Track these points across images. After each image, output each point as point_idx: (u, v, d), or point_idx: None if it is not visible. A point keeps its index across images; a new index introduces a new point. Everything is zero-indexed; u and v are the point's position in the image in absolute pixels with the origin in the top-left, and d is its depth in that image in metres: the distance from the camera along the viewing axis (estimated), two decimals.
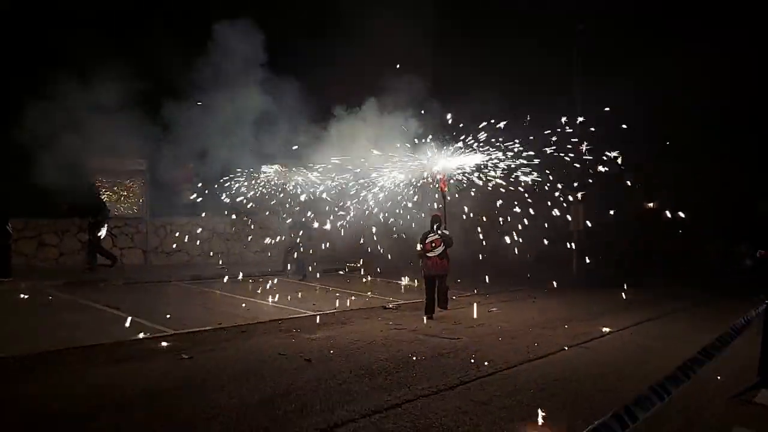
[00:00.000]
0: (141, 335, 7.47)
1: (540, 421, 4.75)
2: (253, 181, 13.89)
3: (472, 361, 6.66)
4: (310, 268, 14.18)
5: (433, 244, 9.46)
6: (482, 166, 11.41)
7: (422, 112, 11.95)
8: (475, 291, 12.58)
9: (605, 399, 5.43)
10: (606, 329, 8.89)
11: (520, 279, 14.55)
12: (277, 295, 11.37)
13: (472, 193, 12.65)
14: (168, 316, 8.87)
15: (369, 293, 12.15)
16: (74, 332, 7.54)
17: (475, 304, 10.41)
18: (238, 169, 13.22)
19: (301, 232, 14.01)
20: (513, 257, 16.05)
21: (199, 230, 16.36)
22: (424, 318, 9.29)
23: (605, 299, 12.40)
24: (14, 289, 10.91)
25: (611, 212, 16.74)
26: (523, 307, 11.02)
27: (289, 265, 14.56)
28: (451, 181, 11.32)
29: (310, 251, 14.35)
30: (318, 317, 9.23)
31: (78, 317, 8.65)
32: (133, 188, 15.09)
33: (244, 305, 10.25)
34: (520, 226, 14.02)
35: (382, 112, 11.74)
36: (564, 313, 10.38)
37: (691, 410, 5.04)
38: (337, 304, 10.62)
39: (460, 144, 11.24)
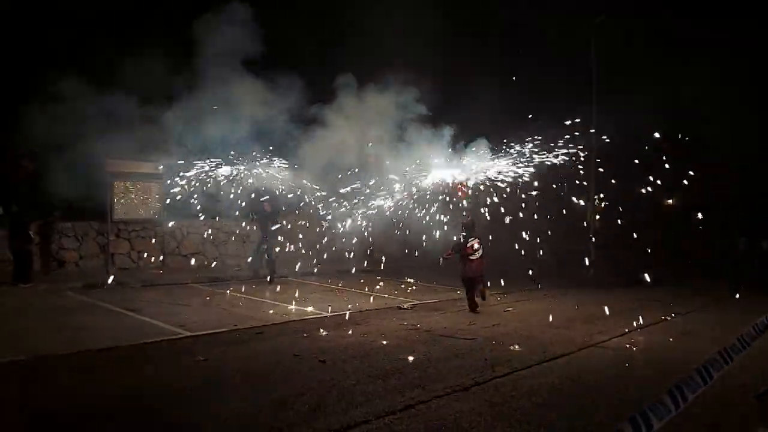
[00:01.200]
0: (157, 337, 7.51)
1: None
2: (272, 182, 13.84)
3: (487, 361, 6.60)
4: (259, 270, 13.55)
5: (474, 247, 9.98)
6: (501, 172, 11.40)
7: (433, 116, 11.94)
8: (492, 291, 12.45)
9: (623, 400, 5.34)
10: (624, 329, 8.76)
11: (537, 278, 14.39)
12: (293, 297, 11.38)
13: (486, 199, 12.57)
14: (185, 318, 8.93)
15: (384, 294, 12.12)
16: (89, 335, 7.57)
17: (491, 304, 10.32)
18: (258, 169, 13.26)
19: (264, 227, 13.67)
20: (531, 257, 15.89)
21: (216, 232, 16.44)
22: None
23: (623, 298, 12.22)
24: (33, 292, 11.05)
25: (630, 210, 16.53)
26: (539, 307, 10.89)
27: (256, 261, 14.08)
28: (470, 185, 11.31)
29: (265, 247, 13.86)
30: (333, 318, 9.23)
31: (95, 320, 8.70)
32: (149, 191, 15.18)
33: (260, 307, 10.28)
34: (532, 219, 13.90)
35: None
36: (581, 313, 10.25)
37: (715, 409, 4.92)
38: (353, 305, 10.57)
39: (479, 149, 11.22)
